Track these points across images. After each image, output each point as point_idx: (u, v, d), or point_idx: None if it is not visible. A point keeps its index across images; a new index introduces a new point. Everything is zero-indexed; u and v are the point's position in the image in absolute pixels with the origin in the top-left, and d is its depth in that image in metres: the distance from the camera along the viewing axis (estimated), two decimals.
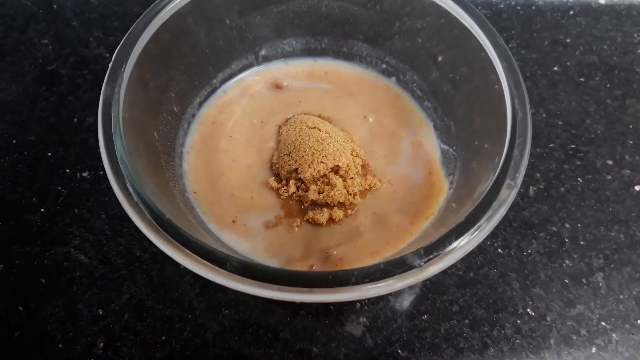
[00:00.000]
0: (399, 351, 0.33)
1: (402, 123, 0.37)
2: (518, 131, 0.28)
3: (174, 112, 0.34)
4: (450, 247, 0.24)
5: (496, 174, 0.26)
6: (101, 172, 0.38)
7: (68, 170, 0.38)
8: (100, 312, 0.34)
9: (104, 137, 0.27)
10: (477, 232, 0.25)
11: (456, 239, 0.24)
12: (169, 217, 0.24)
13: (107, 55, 0.44)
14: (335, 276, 0.23)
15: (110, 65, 0.29)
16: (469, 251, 0.24)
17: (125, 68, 0.29)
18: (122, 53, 0.29)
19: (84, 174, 0.38)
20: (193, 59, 0.34)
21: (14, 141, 0.40)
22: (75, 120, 0.41)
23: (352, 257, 0.31)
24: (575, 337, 0.34)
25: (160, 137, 0.32)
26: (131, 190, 0.25)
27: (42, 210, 0.37)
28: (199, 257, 0.23)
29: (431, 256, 0.24)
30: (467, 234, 0.25)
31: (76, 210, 0.37)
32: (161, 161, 0.31)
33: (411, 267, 0.23)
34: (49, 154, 0.39)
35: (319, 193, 0.33)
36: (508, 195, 0.26)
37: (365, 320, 0.34)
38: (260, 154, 0.35)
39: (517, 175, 0.26)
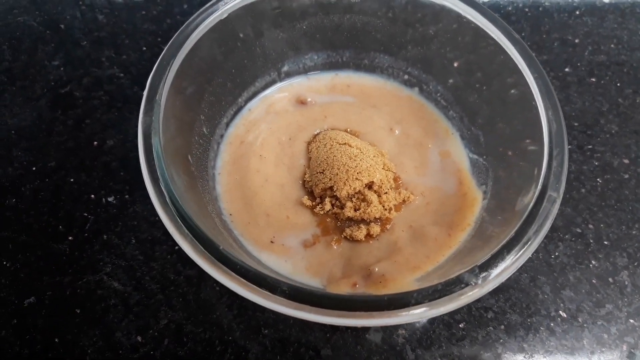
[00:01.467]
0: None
1: (428, 133, 0.37)
2: (555, 142, 0.28)
3: (204, 134, 0.34)
4: (504, 263, 0.25)
5: (539, 187, 0.27)
6: (127, 196, 0.38)
7: (93, 196, 0.38)
8: (140, 339, 0.33)
9: (148, 167, 0.26)
10: (527, 246, 0.25)
11: (508, 254, 0.25)
12: (223, 248, 0.24)
13: (122, 75, 0.43)
14: (394, 299, 0.23)
15: (145, 94, 0.28)
16: (520, 265, 0.25)
17: (159, 96, 0.28)
18: (156, 81, 0.29)
19: (110, 199, 0.38)
20: (220, 79, 0.34)
21: (34, 168, 0.39)
22: (95, 143, 0.40)
23: (394, 272, 0.31)
24: (606, 336, 0.35)
25: (194, 162, 0.32)
26: (180, 221, 0.25)
27: (69, 238, 0.36)
28: (261, 289, 0.23)
29: (486, 273, 0.24)
30: (517, 249, 0.25)
31: (105, 237, 0.36)
32: (198, 186, 0.31)
33: (467, 284, 0.24)
34: (71, 180, 0.39)
35: (355, 210, 0.33)
36: (552, 207, 0.26)
37: (404, 332, 0.34)
38: (292, 172, 0.35)
39: (559, 186, 0.27)
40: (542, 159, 0.28)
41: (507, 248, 0.25)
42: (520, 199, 0.28)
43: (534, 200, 0.26)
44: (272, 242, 0.32)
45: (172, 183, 0.26)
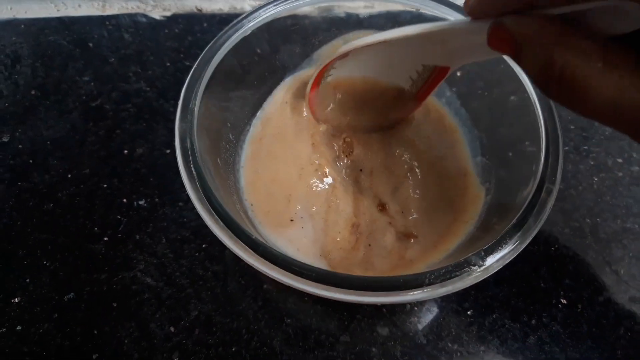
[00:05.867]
0: (450, 345, 0.36)
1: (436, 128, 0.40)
2: (551, 140, 0.31)
3: (230, 139, 0.37)
4: (507, 247, 0.27)
5: (537, 181, 0.30)
6: (157, 199, 0.41)
7: (125, 200, 0.41)
8: (172, 330, 0.36)
9: (185, 166, 0.29)
10: (527, 233, 0.28)
11: (510, 239, 0.28)
12: (256, 237, 0.27)
13: (148, 88, 0.47)
14: (408, 279, 0.26)
15: (180, 103, 0.31)
16: (521, 249, 0.28)
17: (192, 105, 0.32)
18: (189, 92, 0.32)
19: (140, 202, 0.41)
20: (243, 90, 0.37)
21: (69, 175, 0.42)
22: (125, 152, 0.43)
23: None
24: (604, 321, 0.37)
25: (222, 163, 0.35)
26: (215, 214, 0.28)
27: (105, 239, 0.39)
28: (290, 273, 0.26)
29: (491, 256, 0.27)
30: (518, 235, 0.28)
31: (137, 237, 0.39)
32: (226, 184, 0.34)
33: (475, 265, 0.27)
34: (104, 186, 0.42)
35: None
36: (549, 198, 0.29)
37: (416, 319, 0.37)
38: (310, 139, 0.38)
39: (554, 179, 0.30)
40: (539, 156, 0.31)
41: (510, 234, 0.28)
42: (520, 194, 0.31)
43: (532, 193, 0.29)
44: (292, 220, 0.35)
45: (207, 179, 0.29)
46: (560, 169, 0.30)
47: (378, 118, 0.37)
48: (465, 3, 0.24)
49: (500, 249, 0.27)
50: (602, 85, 0.19)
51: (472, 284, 0.27)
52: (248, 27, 0.36)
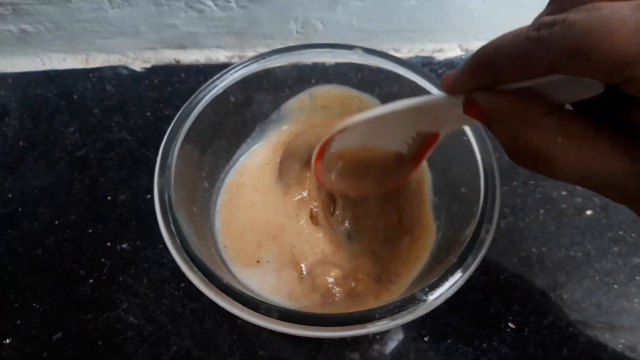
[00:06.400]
0: None
1: None
2: (489, 182, 0.35)
3: (205, 188, 0.40)
4: (449, 282, 0.31)
5: (476, 219, 0.34)
6: (138, 243, 0.44)
7: (109, 244, 0.44)
8: None
9: (163, 218, 0.33)
10: (467, 269, 0.32)
11: (451, 275, 0.32)
12: (227, 281, 0.31)
13: (130, 137, 0.50)
14: (362, 315, 0.30)
15: (159, 159, 0.35)
16: (461, 284, 0.32)
17: (170, 160, 0.35)
18: (167, 148, 0.36)
19: (123, 246, 0.44)
20: (218, 141, 0.41)
21: (56, 222, 0.45)
22: (109, 198, 0.47)
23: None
24: (549, 343, 0.41)
25: (198, 210, 0.39)
26: (190, 260, 0.32)
27: (90, 281, 0.43)
28: (251, 309, 0.30)
29: (434, 291, 0.31)
30: (459, 271, 0.32)
31: (121, 278, 0.43)
32: (202, 229, 0.38)
33: (420, 301, 0.31)
34: (90, 231, 0.45)
35: None
36: (487, 236, 0.33)
37: (378, 347, 0.40)
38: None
39: (492, 220, 0.34)
40: (479, 198, 0.35)
41: (451, 271, 0.32)
42: (463, 232, 0.35)
43: (472, 233, 0.33)
44: (258, 261, 0.39)
45: (183, 230, 0.33)
46: (497, 210, 0.34)
47: (378, 183, 0.40)
48: (442, 82, 0.27)
49: (442, 285, 0.31)
50: (564, 158, 0.21)
51: (419, 316, 0.30)
52: (222, 85, 0.40)
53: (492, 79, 0.23)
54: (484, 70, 0.23)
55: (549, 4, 0.22)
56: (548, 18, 0.19)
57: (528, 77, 0.21)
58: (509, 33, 0.21)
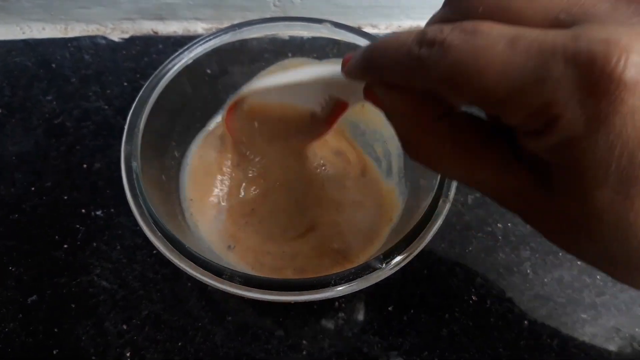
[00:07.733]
0: (371, 337, 0.41)
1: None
2: None
3: (175, 156, 0.41)
4: (405, 252, 0.32)
5: (433, 193, 0.35)
6: (112, 210, 0.45)
7: (83, 210, 0.45)
8: (125, 327, 0.40)
9: (129, 186, 0.34)
10: (423, 240, 0.33)
11: (407, 245, 0.33)
12: (189, 246, 0.32)
13: (106, 107, 0.51)
14: (319, 281, 0.31)
15: (126, 127, 0.36)
16: (417, 253, 0.33)
17: (137, 129, 0.36)
18: (135, 116, 0.36)
19: (98, 212, 0.45)
20: (189, 111, 0.42)
21: (33, 188, 0.46)
22: (84, 166, 0.47)
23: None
24: (510, 315, 0.43)
25: (167, 179, 0.39)
26: (155, 228, 0.33)
27: (65, 246, 0.44)
28: (213, 275, 0.31)
29: (389, 259, 0.32)
30: (414, 242, 0.33)
31: (94, 244, 0.44)
32: (170, 197, 0.39)
33: (375, 269, 0.32)
34: (65, 197, 0.46)
35: None
36: (444, 208, 0.34)
37: (343, 314, 0.42)
38: None
39: (449, 193, 0.35)
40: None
41: (406, 241, 0.33)
42: (422, 204, 0.36)
43: (429, 203, 0.34)
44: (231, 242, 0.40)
45: (149, 198, 0.33)
46: (455, 184, 0.35)
47: (291, 139, 0.41)
48: (342, 63, 0.27)
49: (398, 254, 0.32)
50: (452, 164, 0.21)
51: (374, 283, 0.32)
52: (192, 54, 0.40)
53: (380, 78, 0.23)
54: (372, 69, 0.23)
55: (443, 6, 0.21)
56: (431, 32, 0.18)
57: (414, 86, 0.21)
58: (398, 37, 0.20)
